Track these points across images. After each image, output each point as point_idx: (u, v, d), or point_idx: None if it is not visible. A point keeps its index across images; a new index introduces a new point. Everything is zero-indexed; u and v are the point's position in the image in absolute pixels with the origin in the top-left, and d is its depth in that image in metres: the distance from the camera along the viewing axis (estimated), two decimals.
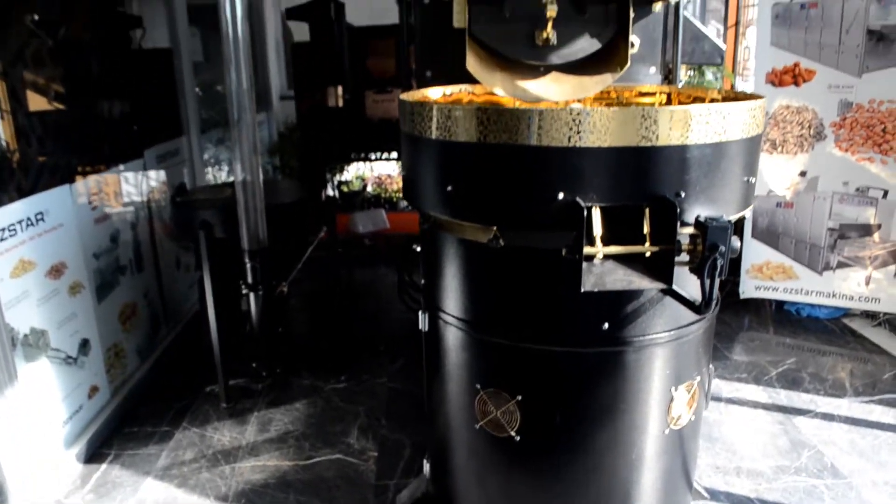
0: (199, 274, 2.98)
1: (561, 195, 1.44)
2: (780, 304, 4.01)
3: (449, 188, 1.57)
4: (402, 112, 1.75)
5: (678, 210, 1.42)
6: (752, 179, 1.63)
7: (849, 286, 3.77)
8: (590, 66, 2.17)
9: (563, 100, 2.17)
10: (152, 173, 3.71)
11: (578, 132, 1.40)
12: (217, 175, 5.03)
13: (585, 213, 1.41)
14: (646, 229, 1.45)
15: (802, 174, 3.69)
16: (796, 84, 3.57)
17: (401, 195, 6.19)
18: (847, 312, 3.92)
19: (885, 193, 3.59)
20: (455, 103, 2.07)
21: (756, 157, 1.64)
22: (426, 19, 2.22)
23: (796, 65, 3.55)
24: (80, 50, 3.62)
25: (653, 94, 2.21)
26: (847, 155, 3.60)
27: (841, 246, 3.72)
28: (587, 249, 1.42)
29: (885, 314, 3.81)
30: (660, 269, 1.44)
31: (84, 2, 3.66)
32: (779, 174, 3.71)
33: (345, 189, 6.26)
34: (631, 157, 1.42)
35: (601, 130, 1.40)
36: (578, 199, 1.43)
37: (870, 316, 3.88)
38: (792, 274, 3.85)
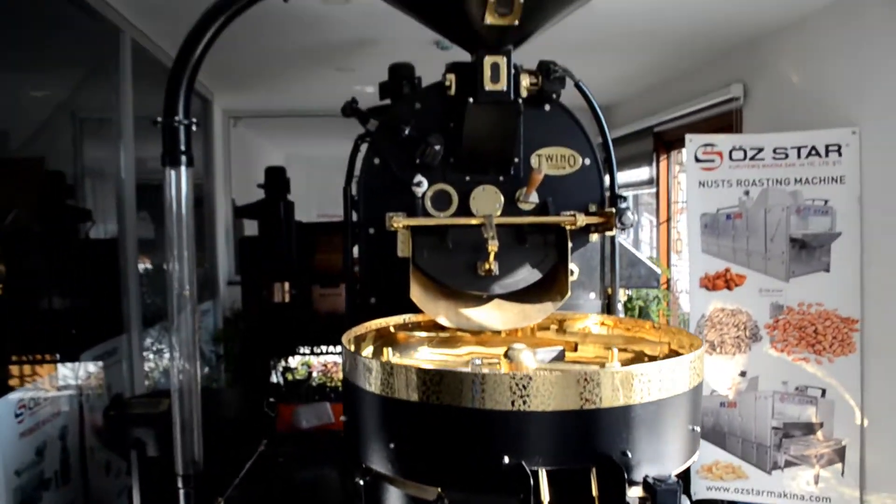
0: (129, 481, 2.80)
1: (506, 459, 1.41)
2: None
3: (391, 445, 1.53)
4: (345, 358, 1.74)
5: (625, 471, 1.40)
6: (697, 428, 1.64)
7: (799, 485, 3.74)
8: (532, 294, 2.22)
9: (505, 328, 2.21)
10: (89, 375, 3.58)
11: (521, 396, 1.40)
12: (159, 363, 4.89)
13: (532, 477, 1.37)
14: (594, 492, 1.42)
15: (742, 374, 3.76)
16: (728, 288, 3.72)
17: None
18: None
19: (824, 392, 3.66)
20: (398, 353, 2.08)
21: (699, 404, 1.66)
22: (371, 247, 2.27)
23: (727, 270, 3.72)
24: (26, 241, 3.58)
25: (588, 321, 2.25)
26: (783, 355, 3.69)
27: (786, 445, 3.73)
28: None
29: None
30: None
31: (33, 191, 3.67)
32: (719, 374, 3.77)
33: (289, 377, 6.12)
34: (575, 420, 1.42)
35: (544, 395, 1.40)
36: (524, 463, 1.40)
37: None
38: (741, 473, 3.82)
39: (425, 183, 2.18)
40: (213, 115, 6.16)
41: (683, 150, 5.62)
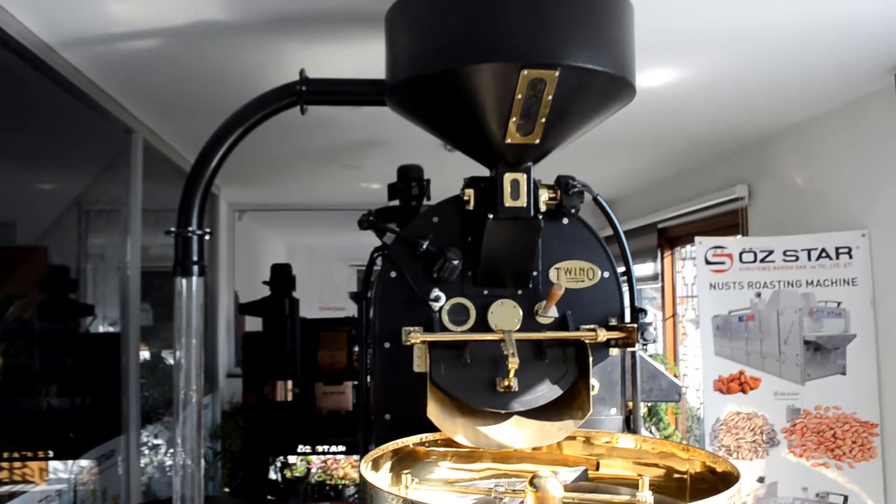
0: None
1: None
2: None
3: None
4: (363, 490, 1.67)
5: None
6: None
7: None
8: (552, 410, 2.17)
9: (525, 447, 2.14)
10: (84, 479, 3.47)
11: None
12: (154, 460, 4.74)
13: None
14: None
15: (761, 480, 3.65)
16: (743, 391, 3.65)
17: (346, 481, 5.92)
18: None
19: (846, 499, 3.54)
20: (416, 478, 2.01)
21: None
22: (386, 362, 2.22)
23: (741, 373, 3.66)
24: (26, 335, 3.53)
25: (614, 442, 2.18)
26: (802, 460, 3.59)
27: None
28: None
29: None
30: None
31: (36, 283, 3.64)
32: None
33: (287, 474, 5.96)
34: None
35: None
36: None
37: None
38: None
39: (443, 297, 2.15)
40: (219, 209, 6.20)
41: (688, 247, 5.67)
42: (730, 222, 4.63)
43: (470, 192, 2.14)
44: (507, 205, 2.03)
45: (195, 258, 2.32)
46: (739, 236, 4.33)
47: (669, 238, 5.70)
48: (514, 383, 2.09)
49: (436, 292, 2.14)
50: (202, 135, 2.36)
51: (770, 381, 3.63)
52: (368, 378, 2.30)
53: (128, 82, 3.41)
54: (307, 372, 4.69)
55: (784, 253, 3.63)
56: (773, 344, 3.62)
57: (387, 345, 2.21)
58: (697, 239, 3.73)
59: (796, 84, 3.35)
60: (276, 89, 2.35)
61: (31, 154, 3.47)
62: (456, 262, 2.14)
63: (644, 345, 2.12)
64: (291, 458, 6.06)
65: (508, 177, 2.03)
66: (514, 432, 2.13)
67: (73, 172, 3.96)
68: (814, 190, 3.99)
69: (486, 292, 2.22)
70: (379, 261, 2.27)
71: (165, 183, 4.51)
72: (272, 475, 5.86)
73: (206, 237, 2.39)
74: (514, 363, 1.99)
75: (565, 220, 2.26)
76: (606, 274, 2.28)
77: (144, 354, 5.22)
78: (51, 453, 3.37)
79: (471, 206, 2.14)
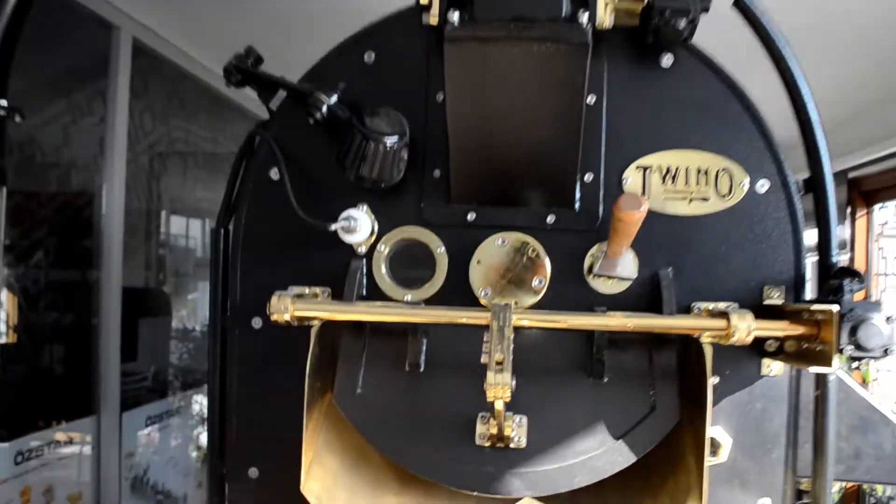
0: None
1: None
2: None
3: None
4: None
5: None
6: None
7: None
8: (611, 493, 0.95)
9: None
10: (22, 468, 2.74)
11: None
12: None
13: None
14: None
15: None
16: None
17: None
18: None
19: None
20: None
21: None
22: (251, 357, 1.10)
23: None
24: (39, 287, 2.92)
25: None
26: None
27: None
28: None
29: None
30: None
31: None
32: None
33: None
34: None
35: None
36: None
37: None
38: None
39: (364, 223, 0.96)
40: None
41: (891, 204, 4.28)
42: None
43: None
44: None
45: None
46: None
47: (864, 192, 4.30)
48: (517, 433, 0.90)
49: (348, 212, 0.96)
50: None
51: None
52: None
53: None
54: None
55: None
56: None
57: (256, 323, 1.06)
58: None
59: None
60: None
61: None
62: (390, 142, 0.93)
63: (855, 361, 0.84)
64: None
65: None
66: None
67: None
68: None
69: (471, 216, 1.00)
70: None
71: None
72: None
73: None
74: (499, 387, 0.80)
75: (666, 59, 0.99)
76: (764, 186, 1.00)
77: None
78: None
79: (433, 20, 0.92)
